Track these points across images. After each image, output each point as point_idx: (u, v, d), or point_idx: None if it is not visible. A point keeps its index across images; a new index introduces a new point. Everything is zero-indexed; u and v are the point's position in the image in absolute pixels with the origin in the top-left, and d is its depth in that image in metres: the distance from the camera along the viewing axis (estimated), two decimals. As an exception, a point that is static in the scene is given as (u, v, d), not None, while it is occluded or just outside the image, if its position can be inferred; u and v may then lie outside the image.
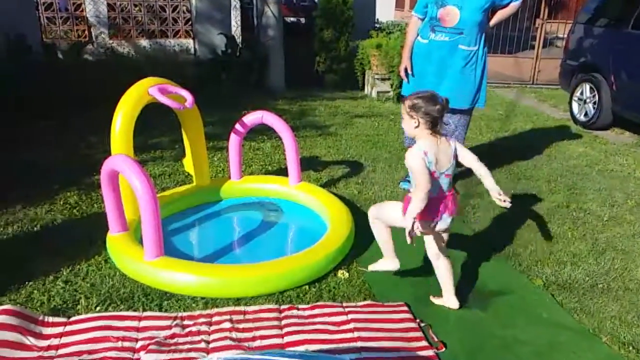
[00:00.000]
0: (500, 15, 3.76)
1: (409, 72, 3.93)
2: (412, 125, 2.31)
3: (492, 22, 3.77)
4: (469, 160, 2.42)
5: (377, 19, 8.93)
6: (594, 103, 6.20)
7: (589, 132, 6.11)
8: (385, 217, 2.54)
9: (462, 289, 2.74)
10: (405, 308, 2.57)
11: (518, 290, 2.81)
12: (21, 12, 6.58)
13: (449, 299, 2.60)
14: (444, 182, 2.36)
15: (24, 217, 3.33)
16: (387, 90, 7.43)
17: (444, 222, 2.42)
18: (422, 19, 3.81)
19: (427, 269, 2.78)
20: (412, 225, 2.22)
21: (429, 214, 2.33)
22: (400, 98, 7.19)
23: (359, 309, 2.52)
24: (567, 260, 3.10)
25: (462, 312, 2.59)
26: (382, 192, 4.02)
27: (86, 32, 7.68)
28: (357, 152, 5.04)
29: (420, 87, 3.90)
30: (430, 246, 2.55)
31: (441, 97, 2.33)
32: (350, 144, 5.27)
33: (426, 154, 2.27)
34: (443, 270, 2.57)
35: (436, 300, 2.65)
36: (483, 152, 5.26)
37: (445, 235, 2.54)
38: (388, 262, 2.67)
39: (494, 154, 5.07)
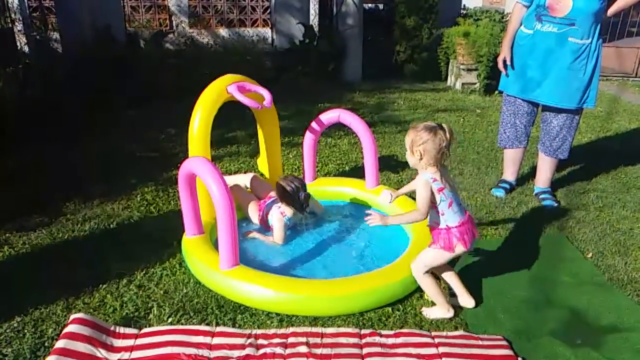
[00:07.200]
0: (623, 2, 3.25)
1: (508, 63, 3.53)
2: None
3: (611, 10, 3.26)
4: None
5: (464, 5, 8.35)
6: None
7: None
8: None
9: (570, 322, 2.38)
10: (505, 343, 2.25)
11: (637, 326, 2.40)
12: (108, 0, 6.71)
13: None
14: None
15: (101, 213, 3.30)
16: (473, 81, 6.95)
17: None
18: (527, 7, 3.38)
19: (527, 298, 2.45)
20: None
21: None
22: (485, 91, 6.75)
23: (450, 341, 2.23)
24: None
25: (572, 350, 2.23)
26: (471, 199, 3.66)
27: (167, 21, 7.75)
28: (441, 151, 4.66)
29: (521, 82, 3.52)
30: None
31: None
32: (433, 142, 4.89)
33: None
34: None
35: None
36: (582, 155, 4.78)
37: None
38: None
39: (596, 157, 4.54)
